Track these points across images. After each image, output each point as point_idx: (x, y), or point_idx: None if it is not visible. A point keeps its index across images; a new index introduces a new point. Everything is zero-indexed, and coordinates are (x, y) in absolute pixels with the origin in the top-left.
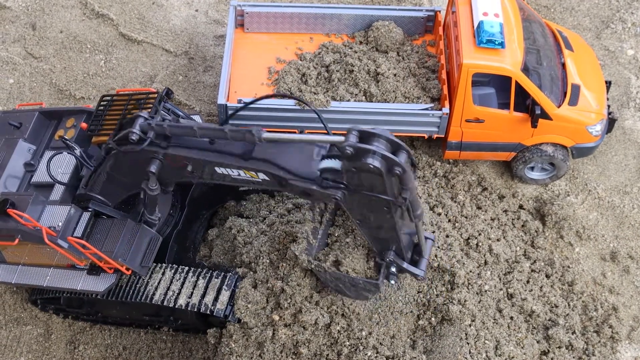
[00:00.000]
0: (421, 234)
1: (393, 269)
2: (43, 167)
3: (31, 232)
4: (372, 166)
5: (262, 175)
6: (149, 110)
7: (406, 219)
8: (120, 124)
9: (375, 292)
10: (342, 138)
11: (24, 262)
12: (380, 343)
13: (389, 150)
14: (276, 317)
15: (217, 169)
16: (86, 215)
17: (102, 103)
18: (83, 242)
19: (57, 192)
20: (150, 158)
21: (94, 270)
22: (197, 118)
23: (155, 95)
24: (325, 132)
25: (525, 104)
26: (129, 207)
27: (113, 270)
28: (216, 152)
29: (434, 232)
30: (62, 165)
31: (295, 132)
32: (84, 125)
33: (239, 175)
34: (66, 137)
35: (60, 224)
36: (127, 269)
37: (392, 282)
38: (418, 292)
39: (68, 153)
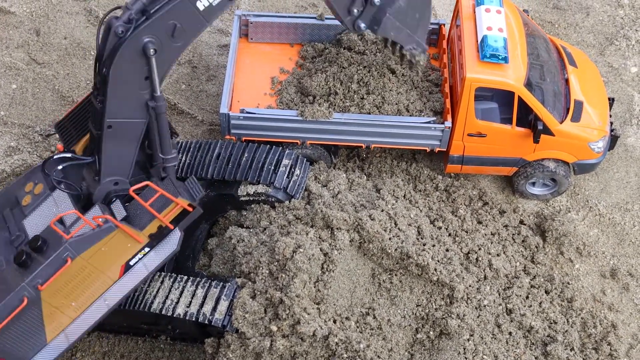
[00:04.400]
0: None
1: None
2: (34, 221)
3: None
4: None
5: None
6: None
7: None
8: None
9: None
10: None
11: (72, 315)
12: (378, 356)
13: None
14: (274, 328)
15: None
16: (113, 206)
17: (60, 128)
18: (146, 182)
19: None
20: (143, 45)
21: (155, 238)
22: None
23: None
24: None
25: (528, 119)
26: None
27: (173, 225)
28: None
29: (434, 245)
30: (55, 207)
31: None
32: (60, 146)
33: None
34: (47, 169)
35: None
36: (190, 205)
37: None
38: (417, 305)
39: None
